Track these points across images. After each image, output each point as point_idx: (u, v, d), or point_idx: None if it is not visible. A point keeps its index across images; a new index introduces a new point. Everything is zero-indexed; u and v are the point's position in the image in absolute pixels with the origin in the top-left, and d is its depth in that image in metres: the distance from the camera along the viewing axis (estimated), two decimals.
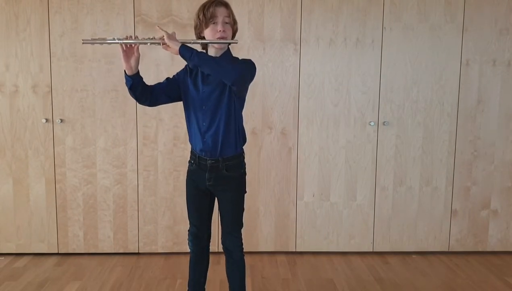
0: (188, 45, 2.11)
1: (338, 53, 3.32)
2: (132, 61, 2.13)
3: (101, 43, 2.11)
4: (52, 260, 3.35)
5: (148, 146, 3.34)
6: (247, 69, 2.16)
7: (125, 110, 3.30)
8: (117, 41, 2.08)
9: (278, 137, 3.38)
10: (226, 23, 2.16)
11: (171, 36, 2.08)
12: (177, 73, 2.32)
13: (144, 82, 2.21)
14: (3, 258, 3.37)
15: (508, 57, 3.37)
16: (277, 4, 3.26)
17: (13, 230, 3.38)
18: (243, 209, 2.36)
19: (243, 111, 2.30)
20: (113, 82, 3.27)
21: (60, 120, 3.28)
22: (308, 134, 3.38)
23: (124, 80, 2.19)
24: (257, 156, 3.37)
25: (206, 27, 2.16)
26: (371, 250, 3.50)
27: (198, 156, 2.27)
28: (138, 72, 2.17)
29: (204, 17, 2.14)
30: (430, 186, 3.45)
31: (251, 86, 3.32)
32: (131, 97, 3.25)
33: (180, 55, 2.07)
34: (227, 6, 2.18)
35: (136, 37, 2.13)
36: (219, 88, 2.17)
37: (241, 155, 2.30)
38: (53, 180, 3.34)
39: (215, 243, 3.41)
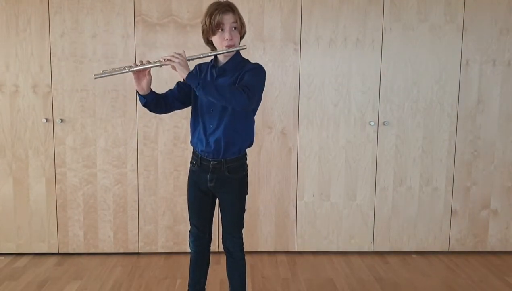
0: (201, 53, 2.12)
1: (338, 53, 3.32)
2: (144, 84, 2.11)
3: (113, 75, 2.09)
4: (52, 260, 3.36)
5: (148, 145, 3.35)
6: (256, 86, 2.09)
7: (125, 110, 3.30)
8: (127, 70, 2.05)
9: (278, 137, 3.38)
10: (234, 28, 2.14)
11: (182, 62, 2.03)
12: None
13: (157, 96, 2.21)
14: (3, 258, 3.37)
15: (508, 57, 3.38)
16: (277, 4, 3.26)
17: (13, 230, 3.39)
18: (244, 210, 2.36)
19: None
20: (113, 82, 3.27)
21: (60, 120, 3.28)
22: (308, 134, 3.38)
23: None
24: (257, 156, 3.37)
25: (214, 34, 2.14)
26: (371, 250, 3.50)
27: (201, 157, 2.26)
28: (151, 91, 2.16)
29: (211, 24, 2.12)
30: (430, 186, 3.45)
31: None
32: (131, 98, 3.27)
33: (188, 82, 2.06)
34: (234, 11, 2.15)
35: (147, 62, 2.09)
36: None
37: (243, 157, 2.30)
38: (53, 179, 3.35)
39: (215, 243, 3.40)
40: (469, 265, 3.33)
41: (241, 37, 2.22)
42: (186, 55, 2.08)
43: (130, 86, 3.26)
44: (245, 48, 2.18)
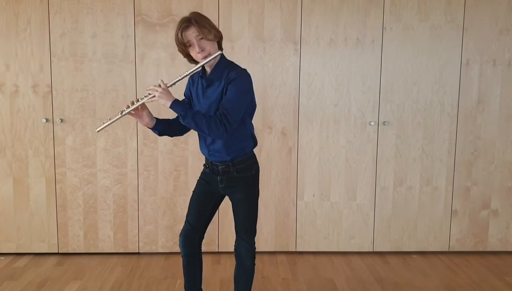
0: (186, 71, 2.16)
1: (338, 53, 3.32)
2: (145, 117, 2.22)
3: (112, 123, 2.21)
4: (52, 260, 3.36)
5: (148, 145, 3.35)
6: (236, 107, 2.11)
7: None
8: (120, 115, 2.18)
9: (278, 137, 3.38)
10: (201, 39, 2.12)
11: (163, 92, 2.10)
12: (185, 92, 2.37)
13: (170, 122, 2.32)
14: (3, 257, 3.37)
15: (508, 57, 3.37)
16: (277, 4, 3.26)
17: (13, 230, 3.39)
18: (256, 214, 2.33)
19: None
20: (113, 82, 3.27)
21: (60, 120, 3.28)
22: (308, 134, 3.38)
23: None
24: (257, 156, 3.36)
25: (187, 51, 2.18)
26: (371, 250, 3.50)
27: (210, 162, 2.30)
28: (157, 121, 2.27)
29: (180, 45, 2.16)
30: (430, 186, 3.45)
31: None
32: (131, 97, 3.27)
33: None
34: (193, 24, 2.12)
35: (136, 100, 2.18)
36: (217, 102, 2.17)
37: (251, 158, 2.31)
38: (53, 179, 3.35)
39: (215, 243, 3.41)
40: (469, 265, 3.33)
41: (219, 40, 2.21)
42: (166, 82, 2.15)
43: (130, 86, 3.26)
44: (221, 53, 2.17)
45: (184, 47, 2.16)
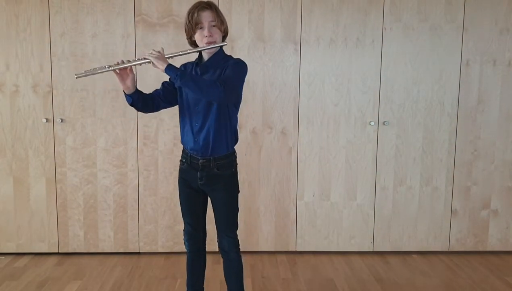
0: (180, 53, 2.17)
1: (339, 53, 3.32)
2: (128, 82, 2.16)
3: (94, 74, 2.14)
4: (53, 259, 3.36)
5: (149, 145, 3.35)
6: (235, 80, 2.12)
7: (125, 110, 3.30)
8: (107, 69, 2.11)
9: (278, 137, 3.38)
10: (213, 26, 2.16)
11: (159, 56, 2.08)
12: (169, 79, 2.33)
13: (144, 96, 2.26)
14: (3, 257, 3.37)
15: (509, 57, 3.37)
16: (277, 4, 3.26)
17: (13, 229, 3.39)
18: (236, 209, 2.35)
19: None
20: (113, 82, 3.25)
21: (60, 120, 3.28)
22: (308, 134, 3.38)
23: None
24: (257, 156, 3.37)
25: (194, 32, 2.18)
26: (371, 250, 3.50)
27: (190, 155, 2.28)
28: (136, 89, 2.21)
29: (190, 23, 2.16)
30: (430, 186, 3.45)
31: (251, 86, 3.33)
32: None
33: (167, 74, 2.09)
34: (212, 8, 2.17)
35: (127, 61, 2.15)
36: None
37: (232, 154, 2.30)
38: (53, 179, 3.35)
39: (215, 243, 3.41)
40: (469, 265, 3.33)
41: (225, 35, 2.24)
42: (165, 52, 2.13)
43: None
44: (226, 44, 2.22)
45: (193, 27, 2.16)
